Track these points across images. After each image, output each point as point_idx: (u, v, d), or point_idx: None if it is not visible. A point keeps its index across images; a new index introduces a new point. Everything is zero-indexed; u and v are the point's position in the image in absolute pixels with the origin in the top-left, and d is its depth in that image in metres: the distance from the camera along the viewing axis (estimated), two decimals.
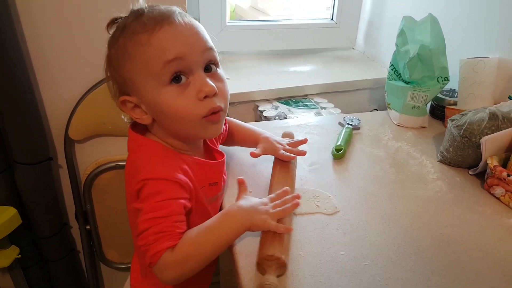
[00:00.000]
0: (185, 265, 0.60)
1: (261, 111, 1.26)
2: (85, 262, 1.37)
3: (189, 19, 0.65)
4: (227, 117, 0.93)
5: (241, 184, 0.76)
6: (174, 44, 0.62)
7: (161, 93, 0.64)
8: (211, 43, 0.67)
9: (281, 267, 0.64)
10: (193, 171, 0.70)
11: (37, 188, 1.15)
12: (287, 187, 0.74)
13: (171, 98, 0.64)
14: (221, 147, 0.86)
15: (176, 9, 0.66)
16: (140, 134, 0.72)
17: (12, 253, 1.15)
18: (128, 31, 0.64)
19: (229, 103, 1.28)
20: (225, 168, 0.83)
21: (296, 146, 0.91)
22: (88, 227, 1.30)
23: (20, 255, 1.16)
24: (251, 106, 1.33)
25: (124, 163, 1.21)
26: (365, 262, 0.69)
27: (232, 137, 0.93)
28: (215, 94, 0.65)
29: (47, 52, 1.04)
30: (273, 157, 0.90)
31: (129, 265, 1.23)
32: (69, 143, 1.17)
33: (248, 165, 0.94)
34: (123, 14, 0.67)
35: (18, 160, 1.08)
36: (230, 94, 1.24)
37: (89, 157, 1.23)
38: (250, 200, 0.70)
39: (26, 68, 1.01)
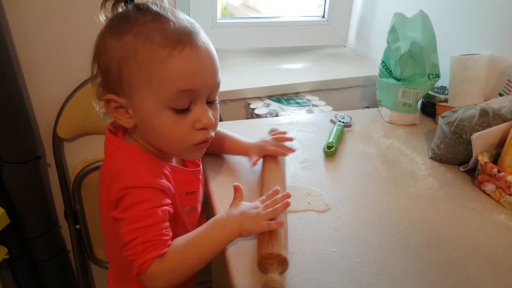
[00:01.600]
0: (173, 273, 0.60)
1: (253, 109, 1.26)
2: (75, 261, 1.36)
3: (207, 39, 0.63)
4: None
5: (236, 190, 0.73)
6: (192, 74, 0.60)
7: (160, 113, 0.61)
8: (219, 75, 0.66)
9: (283, 264, 0.62)
10: (171, 177, 0.68)
11: (25, 187, 1.14)
12: (276, 187, 0.73)
13: (168, 122, 0.62)
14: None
15: (198, 26, 0.63)
16: (117, 135, 0.69)
17: (0, 254, 1.13)
18: (143, 34, 0.59)
19: (221, 101, 1.29)
20: (202, 178, 0.81)
21: (281, 141, 0.90)
22: (77, 226, 1.28)
23: (8, 256, 1.15)
24: (242, 103, 1.32)
25: None
26: (357, 259, 0.69)
27: (222, 147, 0.91)
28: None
29: (34, 49, 1.03)
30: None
31: None
32: (57, 142, 1.15)
33: (238, 171, 0.93)
34: None
35: (5, 159, 1.07)
36: (222, 92, 1.25)
37: (78, 155, 1.21)
38: (240, 206, 0.69)
39: (13, 65, 1.00)
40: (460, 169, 0.95)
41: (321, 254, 0.69)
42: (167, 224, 0.61)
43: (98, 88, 0.66)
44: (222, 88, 1.27)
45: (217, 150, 0.92)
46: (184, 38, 0.59)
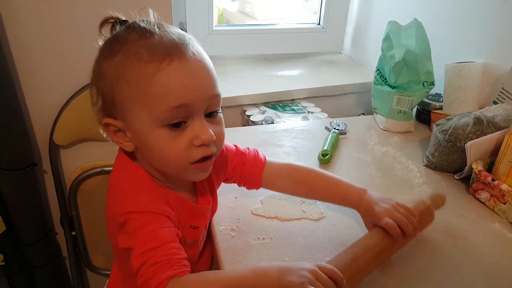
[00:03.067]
0: None
1: (248, 116, 1.26)
2: (70, 268, 1.35)
3: (199, 49, 0.59)
4: (298, 163, 0.81)
5: None
6: (183, 87, 0.56)
7: (154, 132, 0.58)
8: (218, 86, 0.61)
9: None
10: (176, 208, 0.64)
11: (21, 194, 1.14)
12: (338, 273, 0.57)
13: (164, 140, 0.58)
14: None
15: (189, 38, 0.60)
16: (128, 155, 0.66)
17: None
18: (131, 52, 0.57)
19: None
20: (210, 215, 0.76)
21: (409, 219, 0.68)
22: (73, 233, 1.28)
23: (4, 262, 1.15)
24: (238, 110, 1.33)
25: (110, 168, 1.20)
26: None
27: (311, 190, 0.79)
28: (211, 142, 0.60)
29: (31, 56, 1.03)
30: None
31: None
32: (54, 148, 1.15)
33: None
34: (121, 16, 0.62)
35: (1, 166, 1.07)
36: None
37: (75, 162, 1.21)
38: (292, 262, 0.61)
39: (9, 72, 1.00)
40: (455, 177, 0.96)
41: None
42: (177, 244, 0.57)
43: (99, 112, 0.64)
44: None
45: (302, 191, 0.80)
46: (171, 51, 0.56)
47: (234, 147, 0.79)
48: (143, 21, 0.60)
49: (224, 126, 0.65)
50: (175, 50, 0.56)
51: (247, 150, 0.79)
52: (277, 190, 0.81)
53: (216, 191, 0.78)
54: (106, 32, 0.63)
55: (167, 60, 0.55)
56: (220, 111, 0.64)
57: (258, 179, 0.78)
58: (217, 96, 0.61)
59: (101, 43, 0.62)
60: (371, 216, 0.71)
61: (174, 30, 0.60)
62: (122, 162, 0.66)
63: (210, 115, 0.61)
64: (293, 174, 0.78)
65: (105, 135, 0.66)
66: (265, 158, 0.79)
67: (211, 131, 0.59)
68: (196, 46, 0.60)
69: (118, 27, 0.62)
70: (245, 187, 0.81)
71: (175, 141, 0.58)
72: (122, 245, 0.58)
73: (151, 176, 0.64)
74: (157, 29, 0.58)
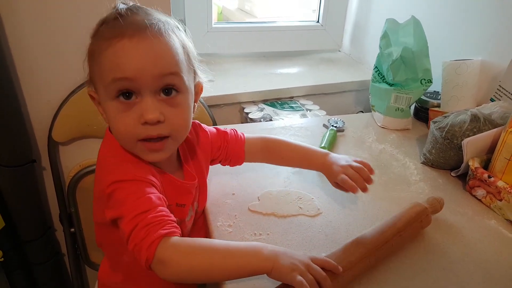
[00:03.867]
0: (187, 261, 0.55)
1: (247, 113, 1.26)
2: (70, 265, 1.36)
3: (167, 35, 0.61)
4: (270, 136, 0.86)
5: None
6: (125, 63, 0.58)
7: (109, 104, 0.62)
8: (177, 67, 0.62)
9: None
10: (161, 184, 0.66)
11: (20, 191, 1.14)
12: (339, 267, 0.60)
13: (115, 113, 0.61)
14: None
15: (163, 22, 0.62)
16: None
17: None
18: (99, 31, 0.62)
19: (215, 105, 1.29)
20: (198, 192, 0.77)
21: (361, 172, 0.74)
22: (72, 229, 1.28)
23: (3, 259, 1.15)
24: (237, 108, 1.33)
25: None
26: None
27: (282, 158, 0.85)
28: (158, 122, 0.61)
29: (30, 54, 1.03)
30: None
31: None
32: (52, 145, 1.15)
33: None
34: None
35: (0, 163, 1.07)
36: (216, 96, 1.26)
37: (73, 159, 1.22)
38: (288, 250, 0.61)
39: (9, 69, 1.00)
40: (452, 174, 0.96)
41: None
42: (165, 208, 0.59)
43: (88, 84, 0.68)
44: (216, 92, 1.29)
45: (275, 160, 0.86)
46: (125, 31, 0.58)
47: (214, 129, 0.83)
48: (133, 7, 0.63)
49: (186, 111, 0.65)
50: (128, 31, 0.58)
51: (227, 129, 0.84)
52: (256, 162, 0.86)
53: (204, 172, 0.80)
54: None
55: (118, 38, 0.58)
56: (185, 93, 0.64)
57: (241, 154, 0.83)
58: (171, 74, 0.61)
59: None
60: (331, 175, 0.77)
61: (153, 17, 0.62)
62: (109, 137, 0.68)
63: (168, 92, 0.62)
64: (265, 145, 0.84)
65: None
66: (243, 134, 0.84)
67: (156, 112, 0.60)
68: (165, 30, 0.61)
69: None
70: (229, 166, 0.86)
71: (125, 115, 0.61)
72: (110, 216, 0.59)
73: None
74: (127, 8, 0.62)
